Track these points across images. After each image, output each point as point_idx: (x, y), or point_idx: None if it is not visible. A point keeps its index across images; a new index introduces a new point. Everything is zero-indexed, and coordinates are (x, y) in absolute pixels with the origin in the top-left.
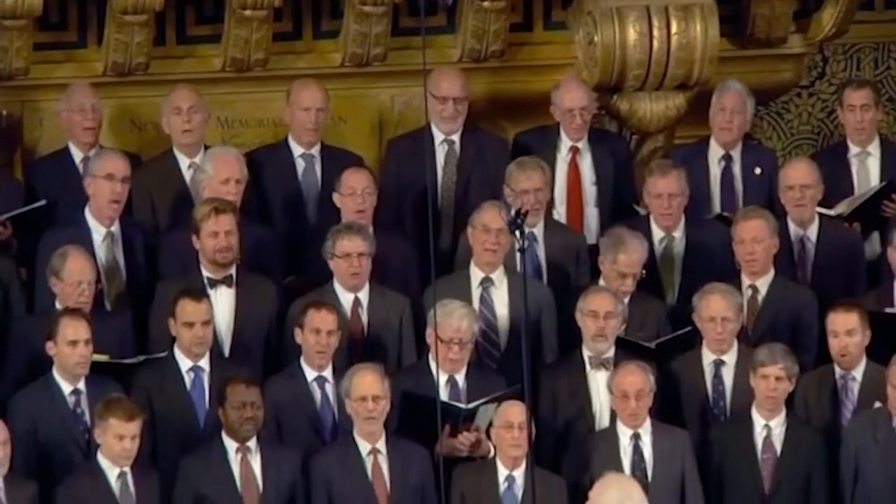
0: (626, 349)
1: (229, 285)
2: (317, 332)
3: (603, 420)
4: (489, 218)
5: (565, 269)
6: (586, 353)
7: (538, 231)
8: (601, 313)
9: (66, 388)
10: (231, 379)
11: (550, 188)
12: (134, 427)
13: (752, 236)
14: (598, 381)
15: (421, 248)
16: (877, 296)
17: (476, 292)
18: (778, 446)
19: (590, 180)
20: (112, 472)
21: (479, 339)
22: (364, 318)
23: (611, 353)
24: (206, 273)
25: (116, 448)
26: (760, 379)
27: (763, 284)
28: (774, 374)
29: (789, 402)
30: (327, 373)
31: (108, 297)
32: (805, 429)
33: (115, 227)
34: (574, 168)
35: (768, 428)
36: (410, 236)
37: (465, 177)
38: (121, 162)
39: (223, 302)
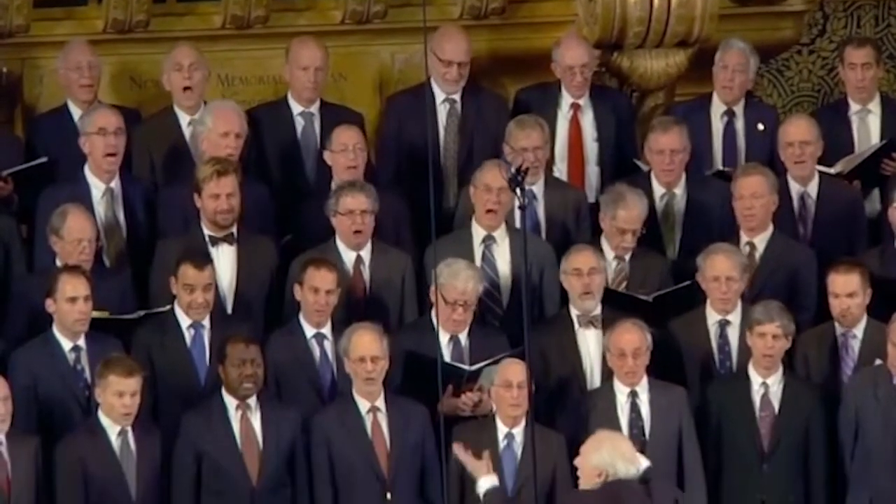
0: (623, 303)
1: (230, 243)
2: (315, 290)
3: (594, 378)
4: (491, 177)
5: (565, 225)
6: (574, 312)
7: (538, 189)
8: (585, 270)
9: (66, 344)
10: (231, 337)
11: (550, 146)
12: (133, 383)
13: (751, 192)
14: (587, 340)
15: (424, 207)
16: (877, 254)
17: (478, 250)
18: (776, 404)
19: (591, 137)
20: (113, 430)
21: (482, 297)
22: (366, 275)
23: (598, 310)
24: (207, 231)
25: (116, 405)
26: (757, 337)
27: (761, 242)
28: (771, 332)
29: (789, 359)
30: (326, 330)
31: (107, 253)
32: (803, 386)
33: (115, 184)
34: (575, 125)
35: (766, 386)
36: (411, 194)
37: (468, 136)
38: (111, 115)
39: (224, 260)
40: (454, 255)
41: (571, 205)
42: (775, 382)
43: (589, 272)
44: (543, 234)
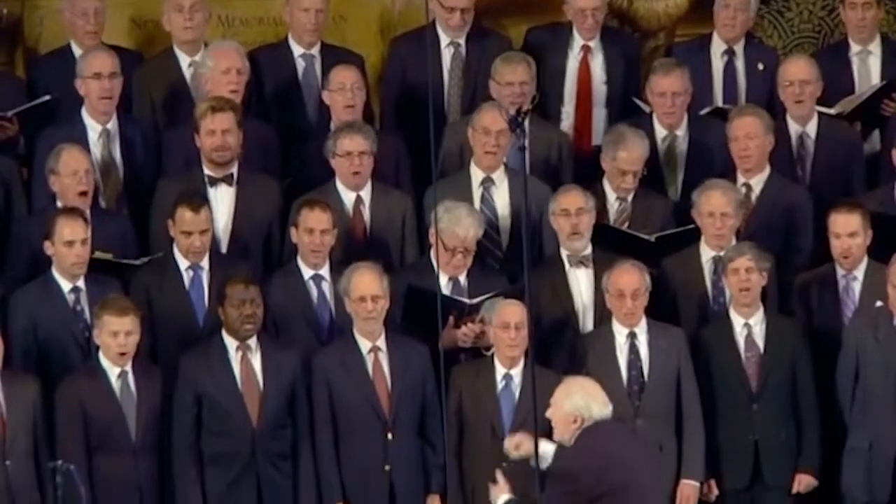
0: (624, 242)
1: (230, 184)
2: (310, 231)
3: (586, 318)
4: (489, 120)
5: (549, 164)
6: (564, 253)
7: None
8: (572, 210)
9: (66, 286)
10: (230, 278)
11: (535, 83)
12: (127, 322)
13: (746, 133)
14: (578, 280)
15: (428, 150)
16: (877, 196)
17: (477, 192)
18: (760, 344)
19: (600, 80)
20: (113, 372)
21: (481, 239)
22: (366, 216)
23: (588, 250)
24: (206, 171)
25: (112, 345)
26: (731, 274)
27: (758, 182)
28: (744, 266)
29: (786, 301)
30: (324, 271)
31: (104, 195)
32: (786, 323)
33: (111, 125)
34: (585, 67)
35: (748, 326)
36: (414, 137)
37: (472, 80)
38: (107, 59)
39: (223, 201)
40: (453, 198)
41: (555, 144)
42: (757, 322)
43: (577, 212)
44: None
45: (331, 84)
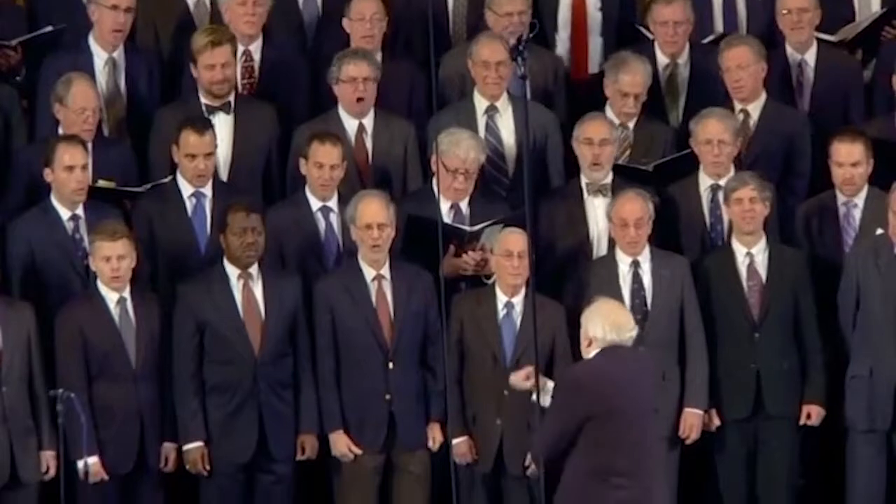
0: (625, 175)
1: (227, 112)
2: (320, 166)
3: (601, 247)
4: (488, 53)
5: (546, 90)
6: (584, 181)
7: None
8: (596, 140)
9: (65, 213)
10: (232, 205)
11: (531, 12)
12: (119, 247)
13: (737, 63)
14: (595, 208)
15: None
16: (877, 124)
17: (481, 121)
18: (762, 273)
19: (594, 6)
20: (111, 299)
21: (487, 167)
22: (369, 144)
23: (608, 179)
24: (203, 101)
25: (105, 269)
26: (734, 204)
27: (755, 109)
28: (747, 196)
29: (785, 229)
30: (332, 202)
31: (107, 123)
32: (788, 252)
33: (118, 53)
34: None
35: (751, 256)
36: (420, 62)
37: (478, 3)
38: None
39: (222, 129)
40: (457, 126)
41: (550, 70)
42: (760, 251)
43: (600, 143)
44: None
45: (351, 13)
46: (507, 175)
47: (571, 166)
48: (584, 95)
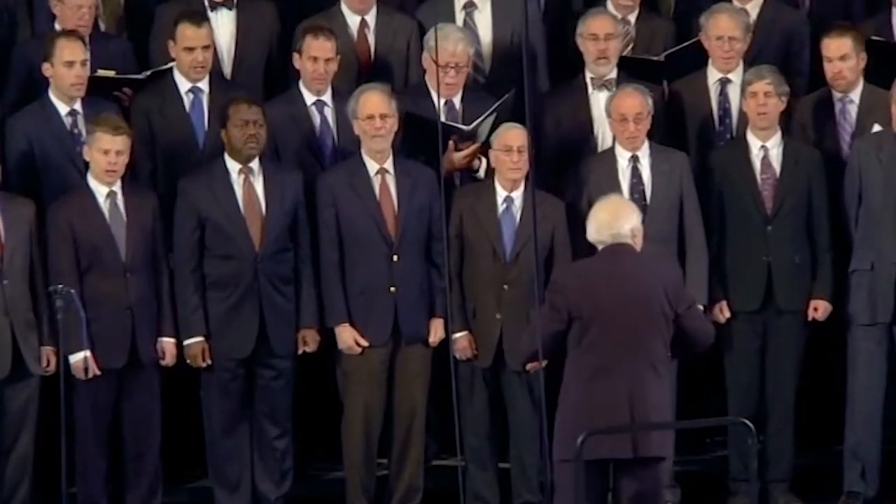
0: (633, 68)
1: (230, 7)
2: (314, 59)
3: (605, 141)
4: None
5: None
6: (588, 76)
7: None
8: (601, 35)
9: (63, 108)
10: (233, 98)
11: None
12: (119, 142)
13: None
14: (600, 103)
15: None
16: (874, 23)
17: (459, 16)
18: (777, 167)
19: None
20: (101, 192)
21: None
22: (371, 40)
23: (613, 74)
24: None
25: (101, 162)
26: (750, 98)
27: (754, 7)
28: (763, 90)
29: (787, 126)
30: (326, 97)
31: (103, 18)
32: (802, 148)
33: None
34: None
35: (765, 149)
36: None
37: None
38: None
39: (224, 25)
40: (434, 22)
41: None
42: (774, 145)
43: (605, 37)
44: None
45: None
46: (483, 74)
47: (578, 61)
48: None
